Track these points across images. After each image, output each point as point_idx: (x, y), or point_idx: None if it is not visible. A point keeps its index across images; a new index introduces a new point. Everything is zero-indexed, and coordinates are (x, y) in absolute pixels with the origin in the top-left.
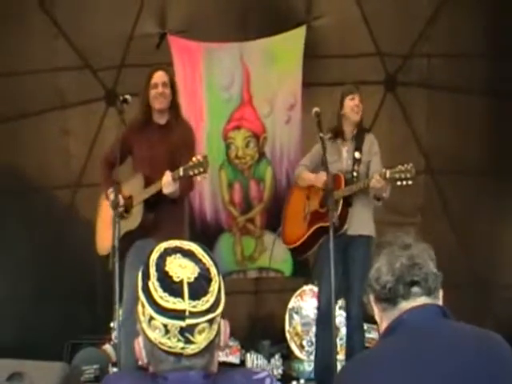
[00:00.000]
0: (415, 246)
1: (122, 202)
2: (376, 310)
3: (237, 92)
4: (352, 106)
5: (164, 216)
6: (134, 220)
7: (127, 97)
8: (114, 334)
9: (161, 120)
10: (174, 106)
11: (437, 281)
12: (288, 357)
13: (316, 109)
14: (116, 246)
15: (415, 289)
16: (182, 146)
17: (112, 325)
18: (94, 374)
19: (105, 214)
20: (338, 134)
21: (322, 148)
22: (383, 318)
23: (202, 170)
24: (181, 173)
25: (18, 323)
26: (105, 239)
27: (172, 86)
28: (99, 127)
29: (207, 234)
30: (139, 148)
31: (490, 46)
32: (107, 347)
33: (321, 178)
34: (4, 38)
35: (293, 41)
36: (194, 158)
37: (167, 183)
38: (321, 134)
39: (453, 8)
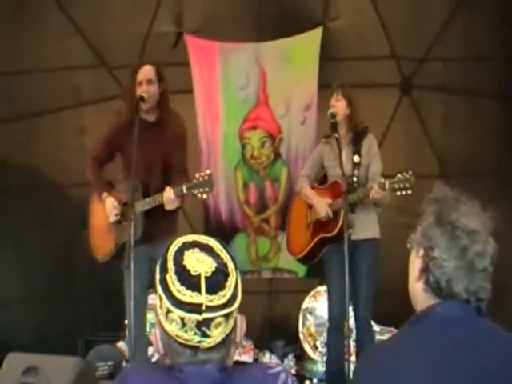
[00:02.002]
0: (484, 242)
1: (118, 209)
2: (416, 270)
3: (253, 92)
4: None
5: (159, 222)
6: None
7: (143, 95)
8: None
9: (149, 117)
10: (162, 101)
11: (487, 295)
12: (301, 357)
13: (331, 110)
14: (132, 245)
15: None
16: (175, 145)
17: (126, 322)
18: (108, 370)
19: (99, 221)
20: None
21: (338, 148)
22: (420, 295)
23: (207, 189)
24: (184, 191)
25: (33, 320)
26: (102, 247)
27: (160, 78)
28: None
29: (222, 234)
30: (131, 147)
31: (505, 50)
32: (121, 344)
33: (322, 208)
34: (21, 36)
35: (309, 42)
36: (197, 176)
37: (169, 201)
38: (336, 135)
39: (468, 11)
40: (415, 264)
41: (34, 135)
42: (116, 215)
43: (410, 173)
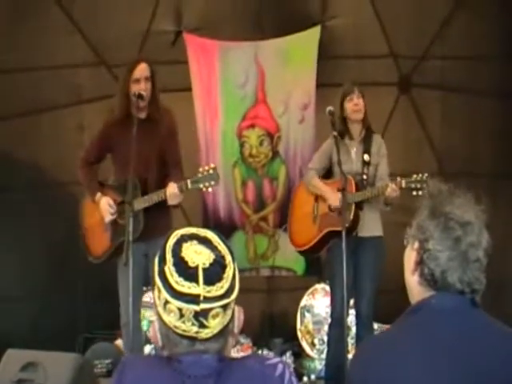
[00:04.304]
0: (477, 233)
1: (114, 208)
2: (411, 263)
3: (251, 90)
4: (351, 106)
5: (155, 219)
6: (133, 229)
7: (143, 92)
8: None
9: (141, 114)
10: (153, 98)
11: (482, 287)
12: (299, 355)
13: (330, 107)
14: (130, 241)
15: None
16: (168, 140)
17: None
18: (107, 368)
19: (93, 221)
20: (344, 135)
21: (336, 147)
22: (415, 288)
23: (213, 183)
24: (189, 185)
25: (32, 317)
26: (97, 248)
27: (153, 75)
28: None
29: (220, 232)
30: (124, 146)
31: (503, 48)
32: (120, 342)
33: (334, 197)
34: (21, 33)
35: (307, 41)
36: (201, 169)
37: (173, 195)
38: (334, 133)
39: (467, 10)
40: (410, 257)
41: (35, 133)
42: (112, 214)
43: (426, 175)
